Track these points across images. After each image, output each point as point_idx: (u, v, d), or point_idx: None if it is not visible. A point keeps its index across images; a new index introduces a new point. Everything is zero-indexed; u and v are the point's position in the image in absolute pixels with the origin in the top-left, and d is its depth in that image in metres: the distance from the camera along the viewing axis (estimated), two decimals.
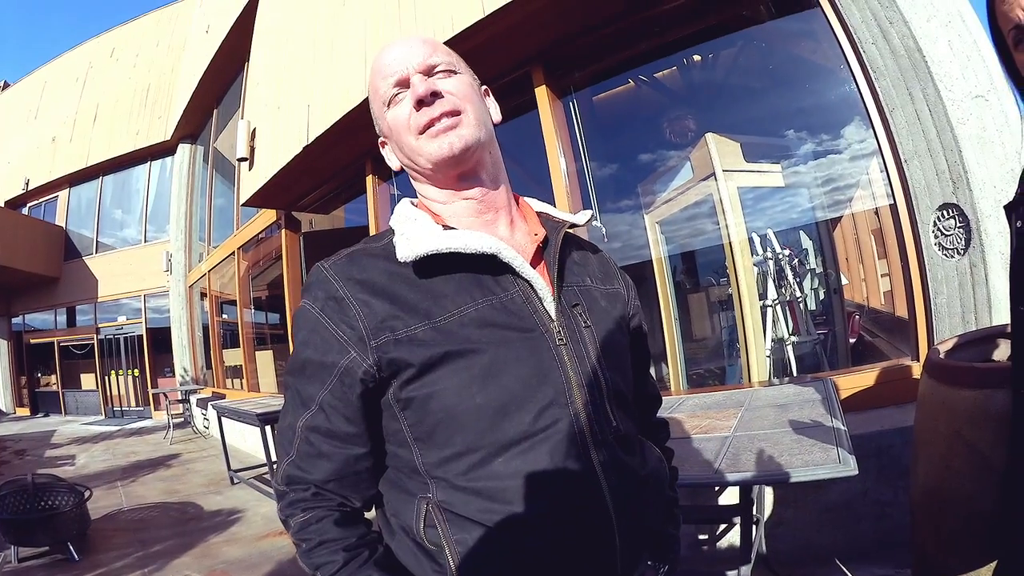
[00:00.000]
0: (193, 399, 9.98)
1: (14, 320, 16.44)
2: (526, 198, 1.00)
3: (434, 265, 0.78)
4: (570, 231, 0.94)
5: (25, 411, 16.03)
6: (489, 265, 0.79)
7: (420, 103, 0.82)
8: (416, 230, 0.81)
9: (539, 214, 0.96)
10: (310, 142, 5.29)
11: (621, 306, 0.97)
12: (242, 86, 8.48)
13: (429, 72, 0.84)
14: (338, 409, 0.78)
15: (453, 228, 0.84)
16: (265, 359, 8.87)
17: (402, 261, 0.77)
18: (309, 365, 0.80)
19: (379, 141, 0.95)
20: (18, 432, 12.23)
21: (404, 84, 0.84)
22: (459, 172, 0.85)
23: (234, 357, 9.75)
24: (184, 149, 12.54)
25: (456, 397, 0.74)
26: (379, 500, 0.86)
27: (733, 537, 2.87)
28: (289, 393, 0.84)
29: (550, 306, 0.82)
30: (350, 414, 0.79)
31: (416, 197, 0.93)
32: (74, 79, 15.83)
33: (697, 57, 4.81)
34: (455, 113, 0.82)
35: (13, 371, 16.27)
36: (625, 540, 0.80)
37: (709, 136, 4.47)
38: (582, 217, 0.96)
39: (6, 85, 19.65)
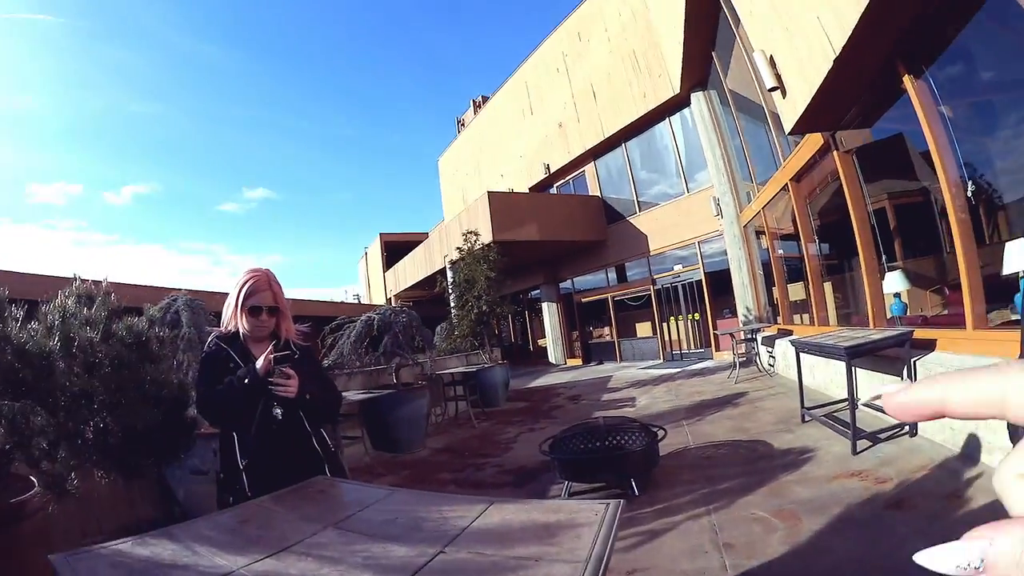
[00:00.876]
0: (758, 337, 9.96)
1: (562, 284, 19.36)
2: None
3: None
4: None
5: (577, 361, 18.60)
6: None
7: None
8: None
9: None
10: (837, 54, 4.60)
11: None
12: (727, 21, 8.06)
13: None
14: None
15: None
16: (830, 291, 8.16)
17: None
18: None
19: None
20: (571, 380, 13.39)
21: None
22: None
23: (797, 292, 9.39)
24: (698, 97, 12.71)
25: None
26: None
27: None
28: None
29: None
30: None
31: None
32: (554, 71, 17.89)
33: None
34: None
35: (564, 327, 19.14)
36: None
37: None
38: None
39: (485, 99, 23.63)
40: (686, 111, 13.60)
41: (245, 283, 2.23)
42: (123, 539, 1.39)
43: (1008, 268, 3.48)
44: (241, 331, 2.25)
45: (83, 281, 2.99)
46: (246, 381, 2.09)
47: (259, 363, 2.09)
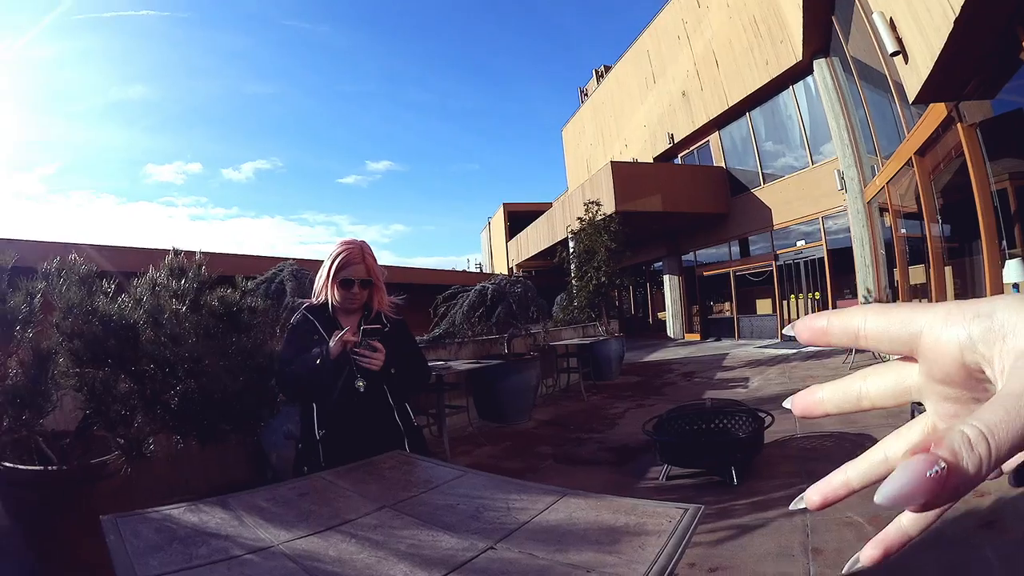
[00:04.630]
0: None
1: (684, 257, 18.95)
2: None
3: None
4: None
5: (695, 336, 18.23)
6: None
7: None
8: None
9: None
10: (957, 14, 4.45)
11: None
12: None
13: None
14: None
15: None
16: (950, 276, 7.73)
17: None
18: None
19: None
20: (687, 355, 13.17)
21: None
22: None
23: (918, 275, 8.96)
24: (820, 64, 12.19)
25: None
26: None
27: None
28: None
29: None
30: None
31: None
32: (675, 38, 17.38)
33: None
34: None
35: (684, 301, 18.79)
36: None
37: None
38: None
39: (607, 68, 23.22)
40: (809, 79, 13.01)
41: (338, 255, 2.22)
42: (177, 504, 1.44)
43: None
44: (331, 303, 2.26)
45: (176, 254, 3.03)
46: (318, 362, 2.10)
47: (332, 345, 2.10)
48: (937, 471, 0.23)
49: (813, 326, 0.35)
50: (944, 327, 0.29)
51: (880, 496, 0.24)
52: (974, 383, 0.29)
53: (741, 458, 3.96)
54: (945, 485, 0.23)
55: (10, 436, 2.48)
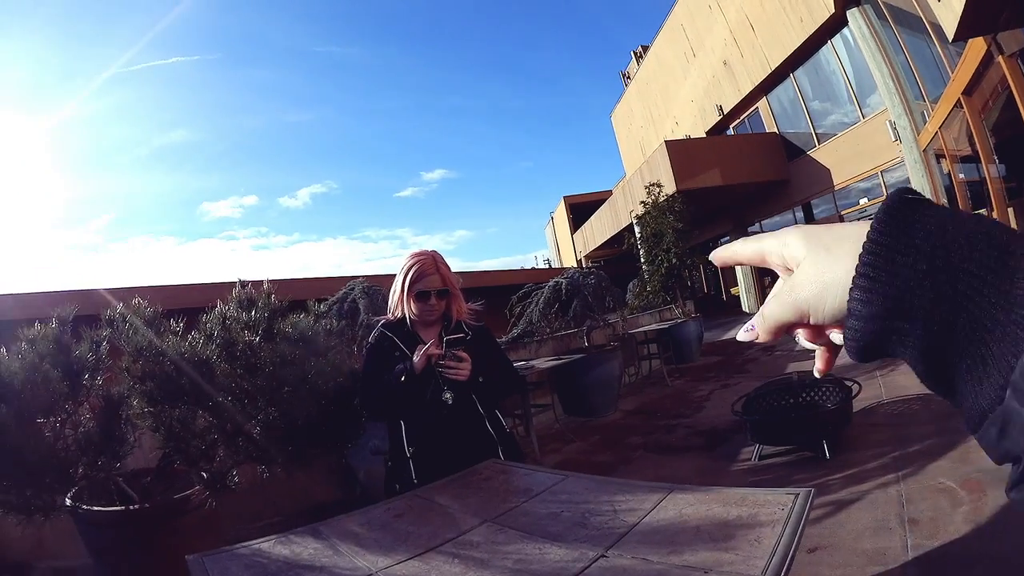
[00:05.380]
0: None
1: (750, 229, 18.53)
2: None
3: None
4: None
5: None
6: None
7: None
8: None
9: None
10: None
11: None
12: None
13: None
14: None
15: None
16: (1013, 217, 7.57)
17: None
18: None
19: None
20: None
21: None
22: None
23: None
24: (854, 14, 11.98)
25: None
26: None
27: None
28: None
29: None
30: None
31: None
32: (706, 8, 17.17)
33: None
34: None
35: (755, 274, 18.14)
36: None
37: None
38: None
39: (645, 48, 22.95)
40: (846, 31, 12.74)
41: (411, 268, 2.17)
42: (267, 537, 1.41)
43: None
44: (408, 317, 2.21)
45: (243, 286, 2.99)
46: (403, 379, 2.06)
47: (416, 360, 2.05)
48: (751, 329, 0.46)
49: (715, 254, 0.52)
50: (770, 243, 0.46)
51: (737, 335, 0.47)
52: (787, 269, 0.45)
53: (832, 431, 3.91)
54: (755, 338, 0.46)
55: (87, 481, 2.50)
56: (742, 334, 0.47)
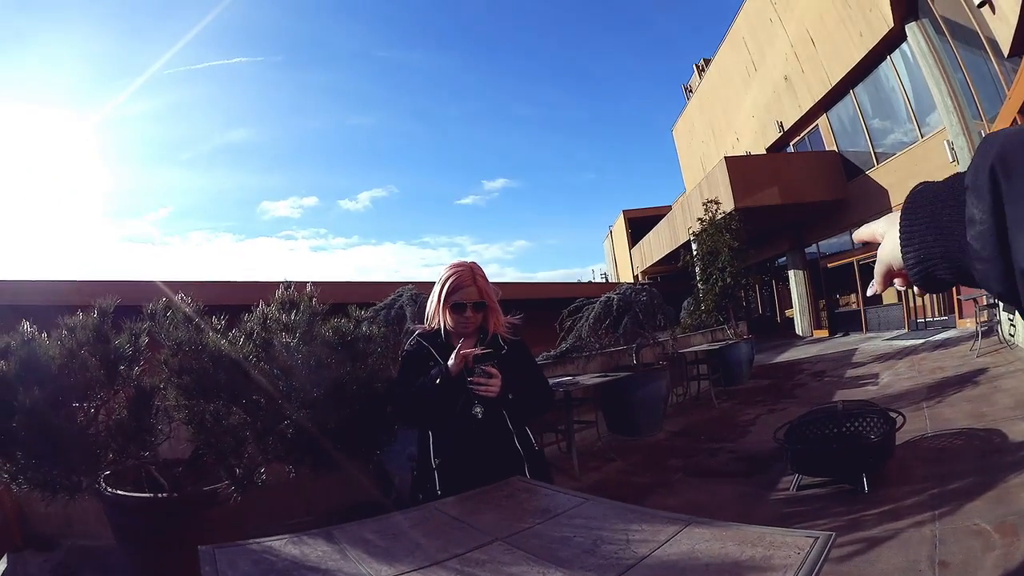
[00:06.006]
0: (1001, 304, 9.08)
1: (807, 250, 18.05)
2: None
3: None
4: None
5: (823, 332, 17.27)
6: None
7: None
8: None
9: None
10: None
11: None
12: None
13: None
14: None
15: None
16: None
17: None
18: None
19: None
20: (816, 354, 12.62)
21: None
22: None
23: None
24: (913, 29, 11.79)
25: None
26: None
27: None
28: None
29: None
30: None
31: None
32: (767, 21, 16.94)
33: None
34: None
35: (811, 296, 17.83)
36: None
37: None
38: None
39: (707, 61, 22.70)
40: (904, 46, 12.50)
41: (448, 279, 2.16)
42: (280, 536, 1.43)
43: None
44: (444, 327, 2.21)
45: (287, 288, 2.98)
46: (438, 382, 2.05)
47: (451, 362, 2.06)
48: (872, 286, 0.77)
49: (861, 235, 0.79)
50: (876, 226, 0.74)
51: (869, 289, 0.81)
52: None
53: (873, 464, 3.85)
54: (877, 291, 0.78)
55: (115, 467, 2.55)
56: (869, 290, 0.80)
